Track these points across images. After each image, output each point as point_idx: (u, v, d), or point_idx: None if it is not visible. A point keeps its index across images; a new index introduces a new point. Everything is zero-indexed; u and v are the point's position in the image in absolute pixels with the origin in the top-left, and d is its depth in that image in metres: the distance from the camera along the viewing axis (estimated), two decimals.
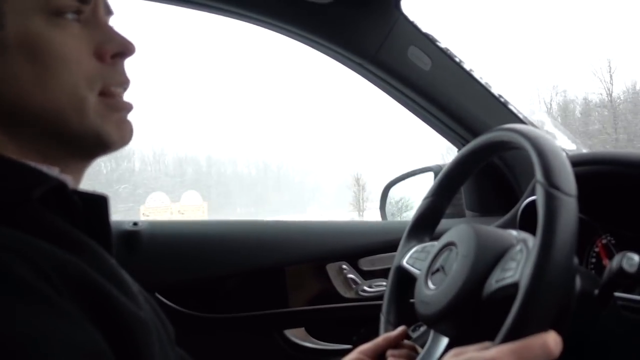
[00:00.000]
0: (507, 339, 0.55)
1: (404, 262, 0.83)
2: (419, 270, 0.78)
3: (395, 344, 0.78)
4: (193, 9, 1.20)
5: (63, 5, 0.57)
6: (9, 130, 0.57)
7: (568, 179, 0.60)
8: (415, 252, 0.82)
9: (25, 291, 0.44)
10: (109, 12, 0.64)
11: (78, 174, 0.62)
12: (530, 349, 0.54)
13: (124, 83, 0.62)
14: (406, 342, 0.79)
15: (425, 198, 0.86)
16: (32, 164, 0.57)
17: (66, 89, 0.57)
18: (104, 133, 0.59)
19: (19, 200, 0.53)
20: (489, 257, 0.65)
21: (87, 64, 0.58)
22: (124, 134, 0.62)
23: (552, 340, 0.55)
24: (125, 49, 0.62)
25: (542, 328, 0.56)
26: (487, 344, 0.60)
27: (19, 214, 0.52)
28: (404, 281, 0.83)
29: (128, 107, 0.63)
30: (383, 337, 0.79)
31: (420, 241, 0.84)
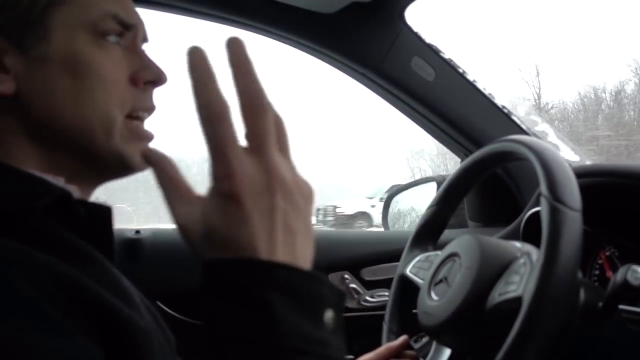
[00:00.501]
0: (509, 353, 0.55)
1: (407, 271, 0.83)
2: (422, 279, 0.77)
3: (397, 353, 0.78)
4: (197, 18, 1.21)
5: (108, 29, 0.59)
6: (34, 140, 0.57)
7: (573, 194, 0.60)
8: (419, 261, 0.82)
9: (20, 304, 0.44)
10: (144, 39, 0.65)
11: (88, 188, 0.63)
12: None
13: (151, 109, 0.64)
14: (408, 352, 0.79)
15: (430, 207, 0.86)
16: (38, 173, 0.57)
17: (99, 108, 0.58)
18: (128, 156, 0.60)
19: (23, 209, 0.53)
20: (493, 270, 0.65)
21: (122, 87, 0.60)
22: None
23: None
24: (158, 78, 0.63)
25: (544, 343, 0.55)
26: None
27: (23, 223, 0.52)
28: (407, 290, 0.83)
29: (150, 137, 0.64)
30: (385, 346, 0.79)
31: (424, 250, 0.84)
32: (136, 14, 0.63)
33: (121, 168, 0.62)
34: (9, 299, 0.44)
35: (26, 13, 0.56)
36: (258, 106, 0.42)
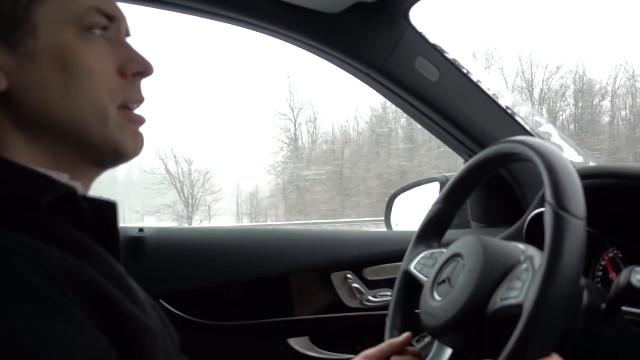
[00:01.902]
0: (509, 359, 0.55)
1: (412, 268, 0.83)
2: (426, 277, 0.77)
3: (400, 350, 0.78)
4: (201, 17, 1.21)
5: (93, 22, 0.60)
6: (29, 135, 0.58)
7: (578, 201, 0.59)
8: (424, 258, 0.82)
9: (33, 296, 0.45)
10: (127, 33, 0.67)
11: (88, 182, 0.63)
12: None
13: (140, 101, 0.65)
14: (411, 349, 0.79)
15: (436, 204, 0.86)
16: (43, 170, 0.58)
17: (90, 100, 0.59)
18: (122, 144, 0.62)
19: (29, 206, 0.53)
20: (496, 274, 0.64)
21: (111, 79, 0.61)
22: (138, 145, 0.64)
23: None
24: (146, 69, 0.65)
25: (544, 352, 0.55)
26: None
27: (29, 219, 0.53)
28: (411, 287, 0.83)
29: (143, 120, 0.65)
30: (388, 343, 0.79)
31: (429, 247, 0.84)
32: (117, 7, 0.64)
33: (116, 156, 0.63)
34: (23, 292, 0.44)
35: (11, 10, 0.57)
36: None
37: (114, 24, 0.63)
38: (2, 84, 0.56)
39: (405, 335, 0.79)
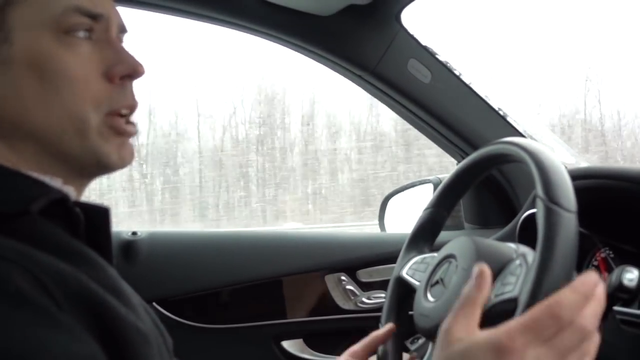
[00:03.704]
0: None
1: (404, 273, 0.83)
2: (419, 281, 0.77)
3: (383, 341, 0.78)
4: (195, 20, 1.21)
5: (73, 24, 0.56)
6: (11, 144, 0.56)
7: (568, 195, 0.60)
8: (415, 263, 0.82)
9: (22, 302, 0.44)
10: (122, 30, 0.63)
11: (80, 187, 0.62)
12: (541, 320, 0.49)
13: (131, 106, 0.61)
14: (406, 354, 0.79)
15: (426, 209, 0.86)
16: (35, 175, 0.57)
17: (70, 109, 0.56)
18: (104, 155, 0.58)
19: (21, 211, 0.53)
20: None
21: (94, 84, 0.57)
22: (124, 156, 0.60)
23: (566, 299, 0.49)
24: (134, 71, 0.60)
25: None
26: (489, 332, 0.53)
27: (20, 224, 0.52)
28: (404, 292, 0.83)
29: (131, 132, 0.61)
30: (371, 336, 0.78)
31: (420, 252, 0.84)
32: (105, 3, 0.60)
33: (99, 167, 0.60)
34: (13, 298, 0.44)
35: None
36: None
37: (100, 23, 0.58)
38: None
39: (387, 326, 0.78)
